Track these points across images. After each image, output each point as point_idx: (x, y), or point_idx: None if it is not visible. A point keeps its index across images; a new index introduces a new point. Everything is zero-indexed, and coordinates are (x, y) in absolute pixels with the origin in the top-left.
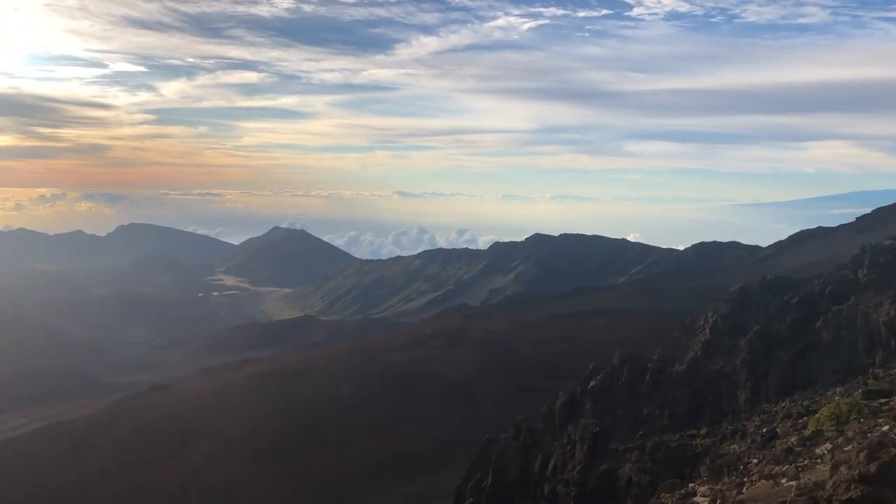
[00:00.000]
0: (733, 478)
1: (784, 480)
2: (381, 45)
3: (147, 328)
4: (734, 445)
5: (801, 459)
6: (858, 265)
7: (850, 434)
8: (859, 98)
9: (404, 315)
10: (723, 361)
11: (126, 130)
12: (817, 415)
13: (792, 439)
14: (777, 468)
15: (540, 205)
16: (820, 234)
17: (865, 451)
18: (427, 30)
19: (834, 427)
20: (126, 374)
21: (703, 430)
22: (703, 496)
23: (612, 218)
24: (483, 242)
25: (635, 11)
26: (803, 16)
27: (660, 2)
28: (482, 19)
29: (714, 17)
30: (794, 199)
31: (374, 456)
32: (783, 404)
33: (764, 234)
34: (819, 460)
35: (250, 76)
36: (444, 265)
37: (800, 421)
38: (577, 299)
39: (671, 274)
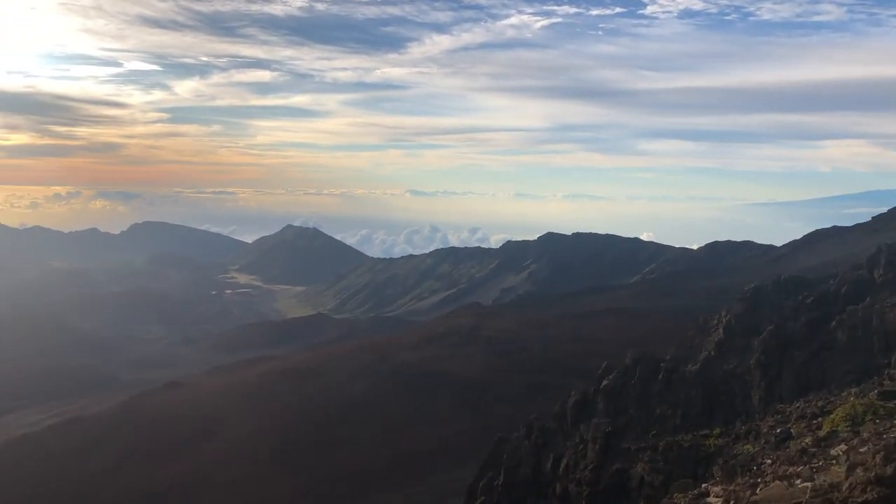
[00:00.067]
0: (747, 478)
1: (798, 481)
2: (393, 43)
3: (160, 326)
4: (748, 446)
5: (815, 460)
6: (874, 265)
7: (865, 435)
8: (875, 96)
9: (416, 313)
10: (736, 361)
11: (140, 129)
12: (832, 415)
13: (806, 440)
14: (791, 469)
15: (552, 203)
16: (835, 233)
17: (882, 452)
18: (440, 28)
19: (849, 428)
20: (140, 372)
21: (717, 431)
22: (717, 497)
23: (624, 217)
24: (495, 241)
25: (649, 9)
26: (819, 13)
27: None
28: (495, 17)
29: (728, 14)
30: (809, 198)
31: (386, 454)
32: (797, 405)
33: (778, 233)
34: (834, 461)
35: (263, 75)
36: (456, 264)
37: (814, 422)
38: (589, 298)
39: (684, 273)
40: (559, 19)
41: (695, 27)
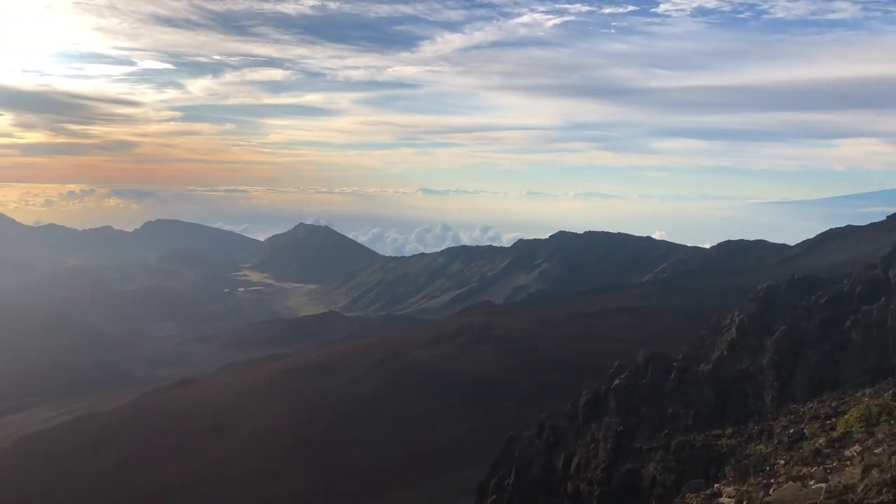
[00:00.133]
0: (759, 479)
1: (812, 482)
2: (405, 42)
3: (173, 323)
4: (760, 446)
5: (829, 461)
6: (889, 264)
7: (880, 436)
8: (891, 95)
9: (428, 312)
10: (749, 361)
11: (153, 127)
12: (846, 416)
13: (820, 440)
14: (805, 470)
15: (564, 202)
16: (849, 232)
17: None
18: (452, 27)
19: (863, 428)
20: (153, 369)
21: (729, 430)
22: (729, 497)
23: (637, 215)
24: (507, 240)
25: (662, 8)
26: (833, 11)
27: None
28: (507, 16)
29: (742, 12)
30: (823, 196)
31: (398, 452)
32: (811, 405)
33: (792, 232)
34: (848, 462)
35: (276, 73)
36: (467, 262)
37: (828, 422)
38: (601, 297)
39: (696, 272)
40: (571, 17)
41: (708, 25)
